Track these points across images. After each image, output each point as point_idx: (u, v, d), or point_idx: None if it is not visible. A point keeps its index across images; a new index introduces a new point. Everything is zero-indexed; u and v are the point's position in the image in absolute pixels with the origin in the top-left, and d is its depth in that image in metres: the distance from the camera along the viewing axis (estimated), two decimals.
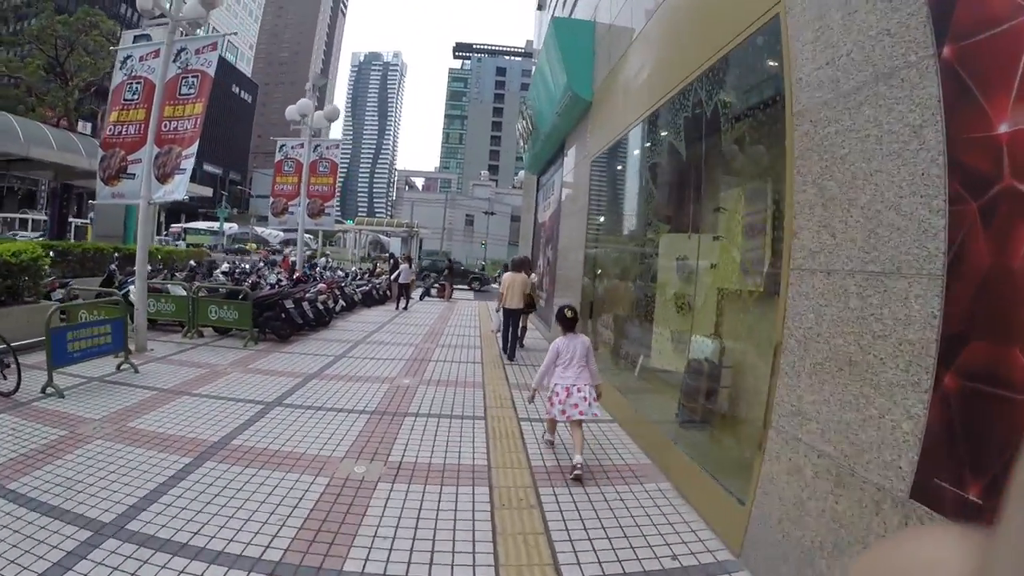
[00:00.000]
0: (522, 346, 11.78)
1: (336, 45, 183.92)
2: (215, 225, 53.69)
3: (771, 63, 4.24)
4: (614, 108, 8.58)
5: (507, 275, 11.04)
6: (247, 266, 18.89)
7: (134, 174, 10.52)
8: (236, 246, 52.14)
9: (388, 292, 19.82)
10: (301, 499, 4.38)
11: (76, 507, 4.04)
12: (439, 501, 4.51)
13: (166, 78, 10.35)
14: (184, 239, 45.78)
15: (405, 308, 18.01)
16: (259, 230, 76.30)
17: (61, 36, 29.59)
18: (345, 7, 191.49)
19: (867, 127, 2.86)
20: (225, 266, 16.76)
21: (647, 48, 7.19)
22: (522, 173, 29.04)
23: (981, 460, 2.19)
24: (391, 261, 23.16)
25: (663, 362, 7.06)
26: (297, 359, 9.63)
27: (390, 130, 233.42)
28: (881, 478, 2.61)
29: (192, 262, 19.83)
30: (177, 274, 14.44)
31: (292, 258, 20.11)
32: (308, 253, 39.34)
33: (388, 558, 3.64)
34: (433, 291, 23.28)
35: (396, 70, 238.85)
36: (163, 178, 10.31)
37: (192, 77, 10.54)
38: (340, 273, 19.53)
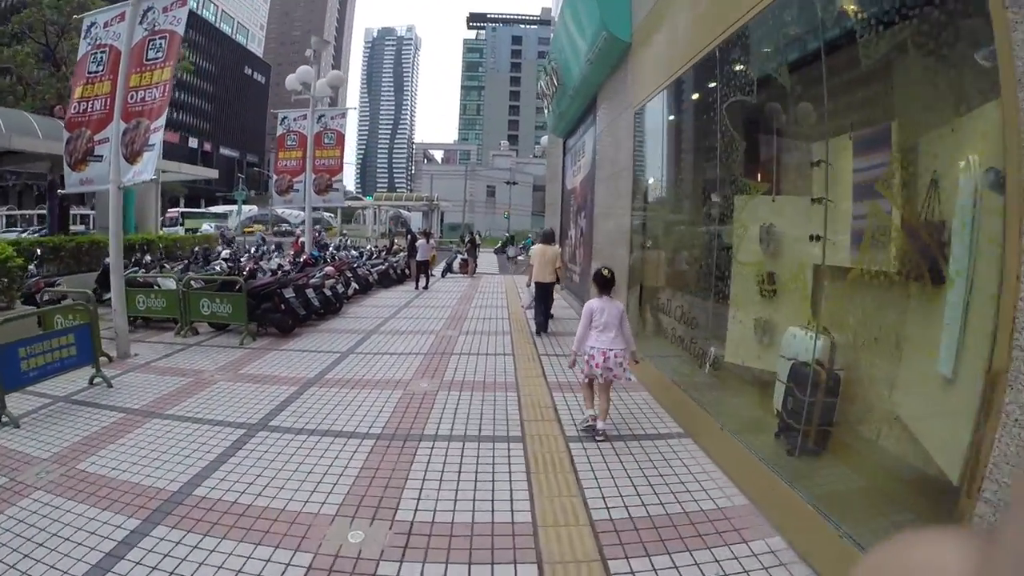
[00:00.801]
0: (552, 317, 10.88)
1: (348, 21, 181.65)
2: (231, 208, 52.60)
3: None
4: (665, 44, 6.97)
5: (536, 247, 10.48)
6: (253, 249, 17.55)
7: (102, 155, 9.20)
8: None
9: (407, 271, 18.40)
10: None
11: None
12: None
13: (132, 42, 8.98)
14: (182, 224, 43.31)
15: (425, 287, 16.60)
16: (279, 211, 75.55)
17: (52, 22, 28.24)
18: None
19: None
20: (226, 251, 15.40)
21: None
22: (545, 139, 27.29)
23: None
24: (408, 237, 21.70)
25: (743, 357, 5.58)
26: (297, 359, 8.26)
27: (407, 104, 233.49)
28: None
29: (197, 249, 18.68)
30: (167, 264, 13.09)
31: (304, 239, 18.73)
32: (319, 232, 37.91)
33: None
34: (456, 266, 21.82)
35: (410, 44, 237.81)
36: (132, 157, 8.94)
37: (159, 39, 9.11)
38: (354, 253, 18.12)
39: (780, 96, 4.88)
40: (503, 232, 52.48)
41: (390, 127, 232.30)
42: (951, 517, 2.56)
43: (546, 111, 16.27)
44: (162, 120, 8.87)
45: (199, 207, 62.51)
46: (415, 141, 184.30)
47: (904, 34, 3.23)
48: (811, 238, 4.46)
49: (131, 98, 9.00)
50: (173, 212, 46.37)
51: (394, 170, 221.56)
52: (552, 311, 10.89)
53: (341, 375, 7.31)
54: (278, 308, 10.10)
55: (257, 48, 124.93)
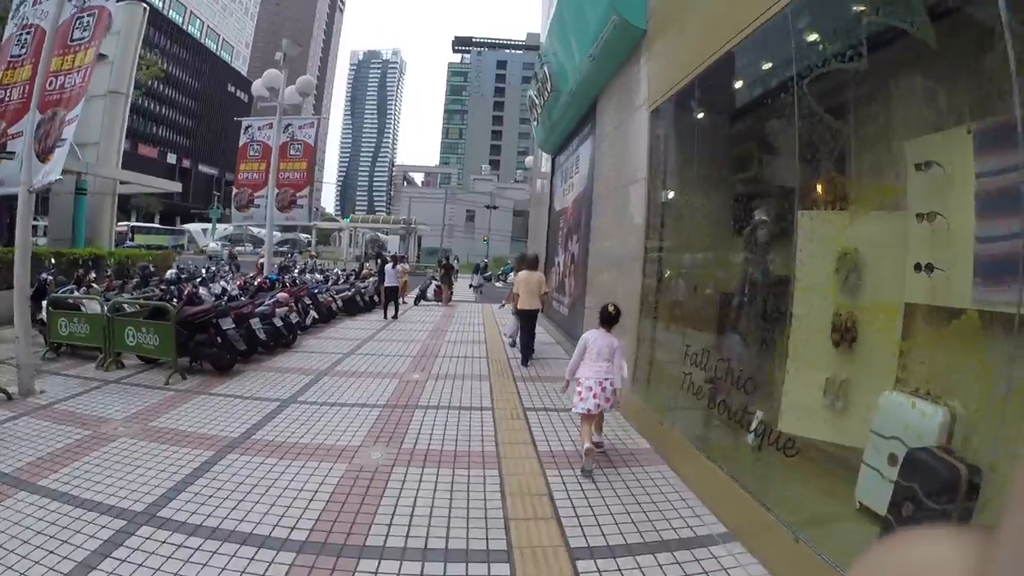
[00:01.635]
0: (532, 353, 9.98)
1: (334, 43, 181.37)
2: (204, 226, 50.69)
3: None
4: (697, 21, 5.56)
5: (520, 274, 10.00)
6: (204, 270, 15.80)
7: (14, 152, 7.71)
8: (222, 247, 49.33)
9: (376, 298, 16.76)
10: None
11: None
12: None
13: (60, 20, 7.62)
14: (132, 239, 40.43)
15: (395, 317, 14.96)
16: (254, 230, 73.42)
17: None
18: (343, 3, 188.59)
19: None
20: (171, 272, 13.64)
21: None
22: (529, 159, 25.90)
23: None
24: (378, 261, 20.07)
25: (806, 426, 4.09)
26: (225, 408, 6.61)
27: (390, 127, 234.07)
28: None
29: (151, 267, 16.96)
30: (96, 284, 11.34)
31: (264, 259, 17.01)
32: (290, 254, 35.85)
33: None
34: (430, 294, 20.17)
35: (395, 68, 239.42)
36: (43, 155, 7.46)
37: (88, 16, 7.70)
38: (318, 277, 16.44)
39: (901, 65, 3.44)
40: (482, 257, 51.02)
41: (372, 149, 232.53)
42: None
43: (533, 124, 14.82)
44: (78, 110, 7.53)
45: (172, 223, 60.25)
46: (396, 163, 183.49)
47: None
48: (917, 268, 3.24)
49: (50, 84, 7.63)
50: (122, 226, 42.21)
51: (374, 193, 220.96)
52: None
53: (273, 435, 5.65)
54: (213, 341, 8.44)
55: (241, 66, 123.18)
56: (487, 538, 3.75)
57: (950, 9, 3.21)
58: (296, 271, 17.74)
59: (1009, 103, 2.58)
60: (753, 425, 4.49)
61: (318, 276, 16.47)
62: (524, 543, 3.69)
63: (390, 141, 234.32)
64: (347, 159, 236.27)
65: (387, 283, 14.74)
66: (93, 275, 13.86)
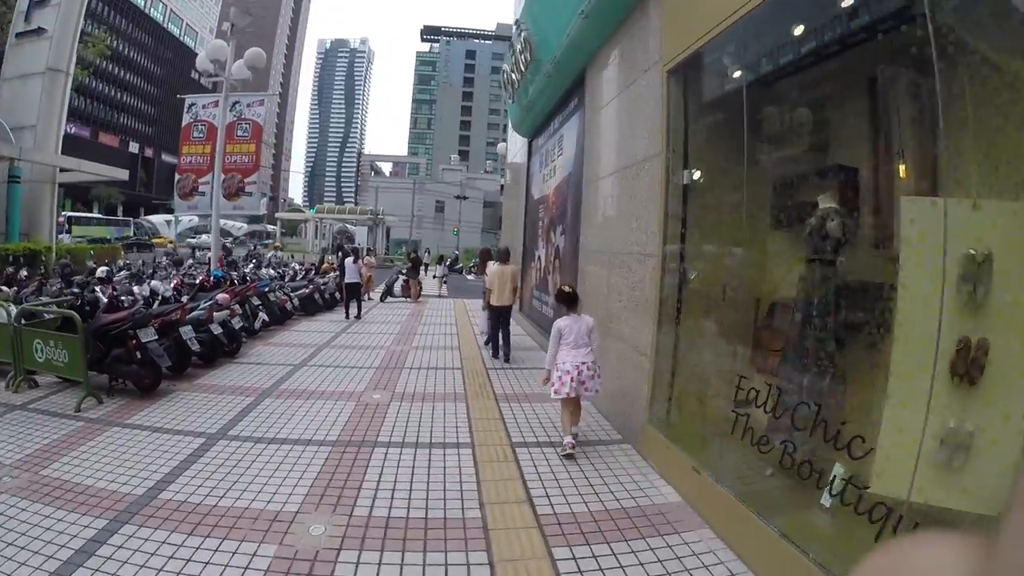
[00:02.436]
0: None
1: (301, 30, 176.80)
2: (164, 217, 47.76)
3: None
4: None
5: (493, 267, 9.73)
6: (143, 265, 14.15)
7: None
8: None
9: (339, 294, 15.29)
10: None
11: None
12: None
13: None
14: (68, 231, 35.27)
15: (357, 317, 13.52)
16: (223, 221, 70.63)
17: None
18: None
19: None
20: (103, 269, 11.97)
21: None
22: (502, 145, 24.49)
23: None
24: (339, 255, 18.54)
25: (917, 487, 2.88)
26: (137, 447, 5.22)
27: (358, 117, 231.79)
28: None
29: (94, 264, 15.35)
30: (3, 288, 9.73)
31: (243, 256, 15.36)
32: (254, 247, 33.84)
33: None
34: (397, 289, 18.71)
35: (363, 57, 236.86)
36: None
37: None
38: (271, 272, 14.88)
39: None
40: (452, 249, 49.52)
41: (340, 140, 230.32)
42: None
43: (508, 103, 13.39)
44: None
45: (135, 214, 57.16)
46: (364, 153, 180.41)
47: None
48: None
49: None
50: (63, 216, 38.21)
51: (342, 183, 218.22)
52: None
53: (188, 493, 4.25)
54: (131, 356, 6.97)
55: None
56: None
57: None
58: (250, 266, 16.15)
59: None
60: (831, 482, 3.28)
61: (271, 272, 14.91)
62: None
63: (358, 131, 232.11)
64: (315, 149, 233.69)
65: (347, 279, 13.25)
66: (24, 273, 12.28)
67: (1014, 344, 2.64)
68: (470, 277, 33.89)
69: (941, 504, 2.81)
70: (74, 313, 6.94)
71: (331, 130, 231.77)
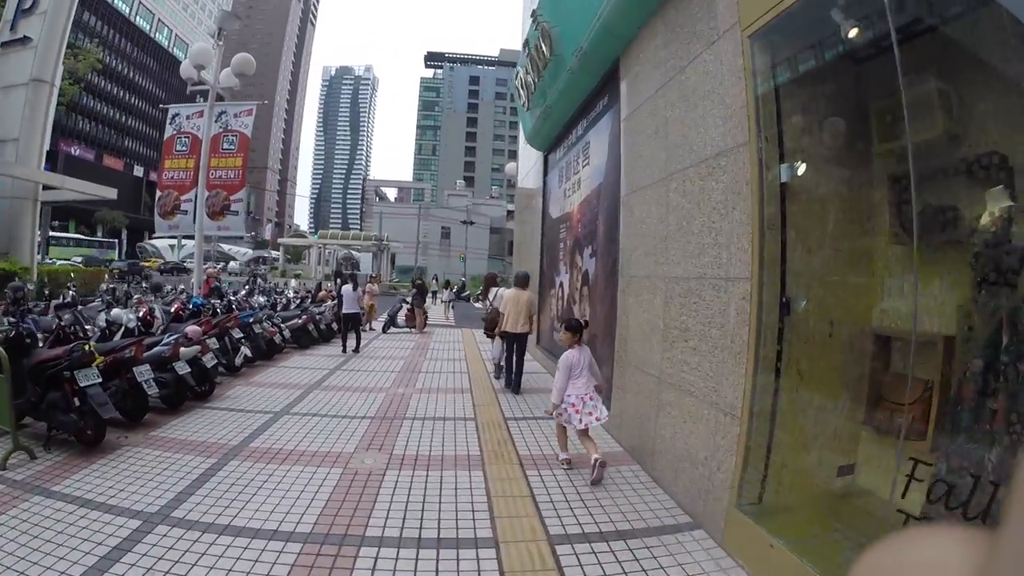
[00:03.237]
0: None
1: (305, 56, 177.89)
2: (174, 242, 45.62)
3: None
4: None
5: (508, 293, 9.26)
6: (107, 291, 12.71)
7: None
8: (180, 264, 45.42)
9: (336, 325, 13.89)
10: None
11: None
12: None
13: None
14: (47, 253, 31.44)
15: (355, 350, 12.11)
16: (224, 247, 69.46)
17: None
18: (315, 17, 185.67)
19: None
20: (71, 293, 10.56)
21: None
22: (511, 166, 23.20)
23: None
24: (336, 282, 17.16)
25: None
26: (61, 522, 3.88)
27: (363, 143, 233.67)
28: None
29: (71, 288, 14.00)
30: None
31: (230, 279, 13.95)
32: (256, 276, 32.66)
33: None
34: (400, 319, 17.27)
35: (368, 84, 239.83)
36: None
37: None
38: (260, 300, 13.47)
39: None
40: (459, 276, 48.14)
41: (345, 166, 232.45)
42: None
43: (522, 109, 12.02)
44: None
45: (140, 238, 55.47)
46: (369, 179, 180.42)
47: None
48: None
49: None
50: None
51: (348, 209, 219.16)
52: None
53: None
54: (70, 404, 5.59)
55: (209, 77, 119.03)
56: None
57: None
58: (240, 293, 14.75)
59: None
60: None
61: (261, 300, 13.50)
62: None
63: (363, 158, 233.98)
64: (320, 176, 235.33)
65: (345, 309, 11.84)
66: None
67: None
68: (477, 305, 32.47)
69: None
70: None
71: (336, 157, 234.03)
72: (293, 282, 21.86)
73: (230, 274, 28.57)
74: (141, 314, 9.09)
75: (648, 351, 5.69)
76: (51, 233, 36.14)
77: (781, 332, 3.95)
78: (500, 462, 5.62)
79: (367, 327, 15.91)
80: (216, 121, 12.08)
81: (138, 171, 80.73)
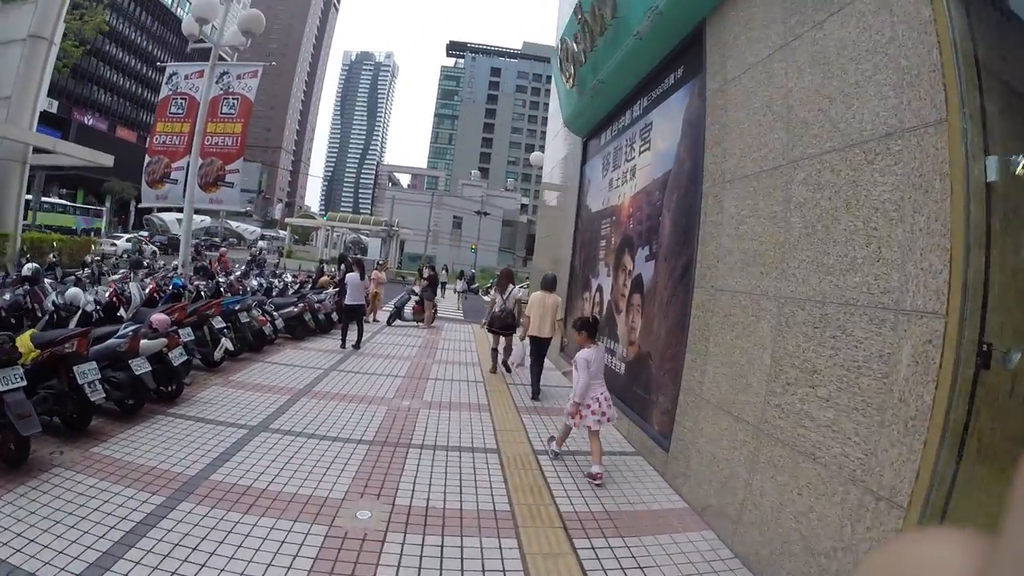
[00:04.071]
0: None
1: (327, 40, 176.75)
2: (182, 216, 43.53)
3: None
4: None
5: (535, 295, 8.79)
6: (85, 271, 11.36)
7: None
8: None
9: (335, 316, 12.52)
10: None
11: None
12: None
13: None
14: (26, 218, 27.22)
15: (356, 346, 10.76)
16: (233, 224, 68.13)
17: None
18: (338, 1, 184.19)
19: None
20: (29, 266, 9.18)
21: None
22: (536, 155, 21.70)
23: None
24: (341, 267, 15.75)
25: None
26: None
27: (379, 130, 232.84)
28: None
29: (53, 258, 12.85)
30: None
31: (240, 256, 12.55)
32: (259, 251, 31.43)
33: None
34: (408, 311, 15.85)
35: (387, 71, 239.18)
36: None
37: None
38: (254, 284, 12.07)
39: None
40: (469, 267, 46.69)
41: (360, 151, 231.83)
42: None
43: (563, 87, 10.45)
44: None
45: (148, 211, 53.40)
46: (383, 163, 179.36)
47: None
48: None
49: None
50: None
51: (360, 194, 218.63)
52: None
53: None
54: None
55: (230, 55, 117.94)
56: None
57: None
58: (234, 274, 13.37)
59: None
60: None
61: (254, 283, 12.09)
62: None
63: (379, 143, 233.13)
64: (334, 158, 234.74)
65: (348, 299, 10.40)
66: None
67: None
68: (486, 298, 31.01)
69: None
70: None
71: (352, 141, 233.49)
72: (288, 270, 20.04)
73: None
74: (109, 294, 7.74)
75: (741, 390, 4.29)
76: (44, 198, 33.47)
77: (973, 394, 2.59)
78: (537, 524, 4.22)
79: (370, 318, 14.52)
80: (217, 82, 10.70)
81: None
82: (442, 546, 3.77)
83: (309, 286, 14.02)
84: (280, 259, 35.07)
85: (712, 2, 5.46)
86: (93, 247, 17.43)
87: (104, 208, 44.32)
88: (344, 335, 10.72)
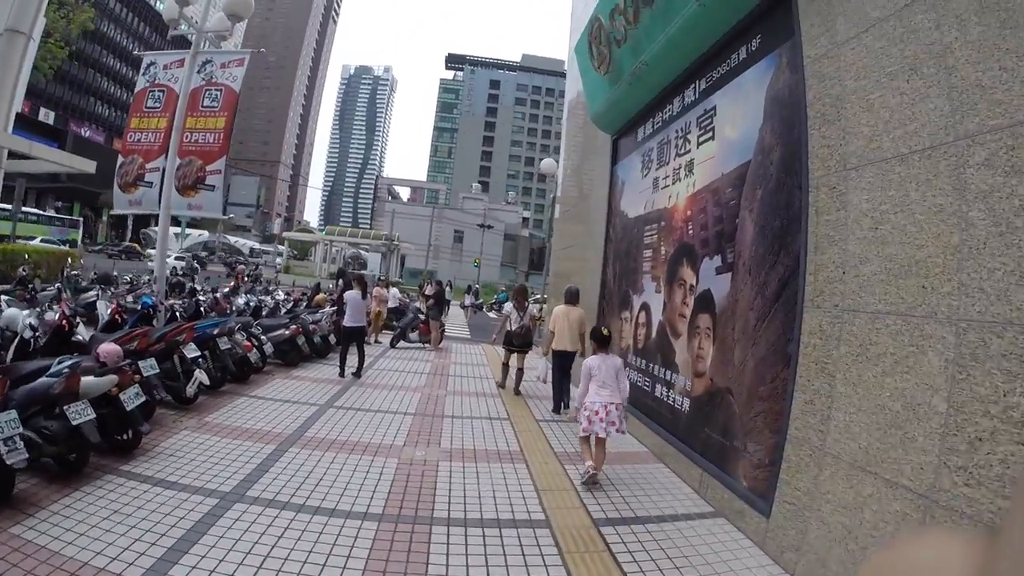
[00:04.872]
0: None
1: (326, 53, 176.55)
2: (178, 230, 41.69)
3: None
4: None
5: (559, 309, 8.53)
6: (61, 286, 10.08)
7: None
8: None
9: (333, 338, 11.17)
10: None
11: None
12: None
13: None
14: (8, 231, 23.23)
15: (356, 374, 9.41)
16: (231, 239, 66.87)
17: None
18: (337, 14, 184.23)
19: None
20: None
21: None
22: (546, 161, 20.37)
23: None
24: (338, 283, 14.44)
25: None
26: None
27: (378, 143, 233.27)
28: None
29: (23, 272, 11.61)
30: None
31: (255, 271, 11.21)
32: (255, 267, 30.52)
33: None
34: (412, 332, 14.47)
35: (386, 84, 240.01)
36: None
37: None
38: (240, 302, 10.72)
39: None
40: (472, 282, 45.38)
41: (359, 165, 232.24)
42: None
43: (593, 77, 9.00)
44: None
45: (145, 224, 51.59)
46: (382, 176, 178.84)
47: None
48: None
49: None
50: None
51: (359, 208, 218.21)
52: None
53: None
54: None
55: None
56: None
57: None
58: (218, 292, 12.05)
59: None
60: None
61: (240, 302, 10.74)
62: None
63: (378, 157, 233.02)
64: (333, 173, 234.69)
65: (348, 321, 9.05)
66: None
67: None
68: (492, 315, 29.74)
69: None
70: None
71: (350, 155, 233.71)
72: (280, 287, 18.48)
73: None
74: (58, 315, 6.42)
75: (896, 444, 3.02)
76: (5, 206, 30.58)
77: None
78: None
79: (372, 339, 13.18)
80: (198, 72, 9.44)
81: None
82: None
83: (303, 305, 12.68)
84: (276, 273, 33.72)
85: None
86: (71, 260, 16.06)
87: (80, 220, 42.78)
88: (343, 361, 9.35)
